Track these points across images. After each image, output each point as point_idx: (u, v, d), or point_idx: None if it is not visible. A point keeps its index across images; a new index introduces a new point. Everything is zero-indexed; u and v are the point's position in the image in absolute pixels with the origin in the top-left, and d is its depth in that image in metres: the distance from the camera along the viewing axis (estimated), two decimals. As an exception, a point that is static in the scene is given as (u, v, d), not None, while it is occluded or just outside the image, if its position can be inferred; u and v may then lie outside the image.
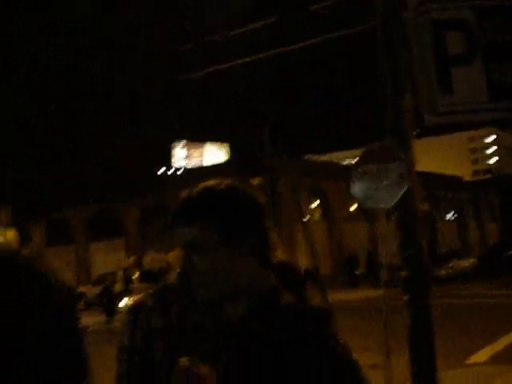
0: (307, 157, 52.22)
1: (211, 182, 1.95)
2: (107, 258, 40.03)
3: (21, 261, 1.80)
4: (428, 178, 41.73)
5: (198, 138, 53.29)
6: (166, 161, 52.00)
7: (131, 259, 40.18)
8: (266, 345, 1.72)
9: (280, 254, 3.33)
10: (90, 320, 21.37)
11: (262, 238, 1.91)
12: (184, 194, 1.94)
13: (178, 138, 53.22)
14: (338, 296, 20.19)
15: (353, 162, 8.83)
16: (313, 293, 3.00)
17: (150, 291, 2.90)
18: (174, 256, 3.35)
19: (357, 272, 36.87)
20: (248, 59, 15.67)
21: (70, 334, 2.21)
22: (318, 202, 41.06)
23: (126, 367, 2.78)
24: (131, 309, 2.94)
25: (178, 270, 2.77)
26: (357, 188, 8.10)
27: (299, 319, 1.76)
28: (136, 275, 32.73)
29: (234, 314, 1.84)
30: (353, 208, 41.52)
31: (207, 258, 1.85)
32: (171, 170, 50.54)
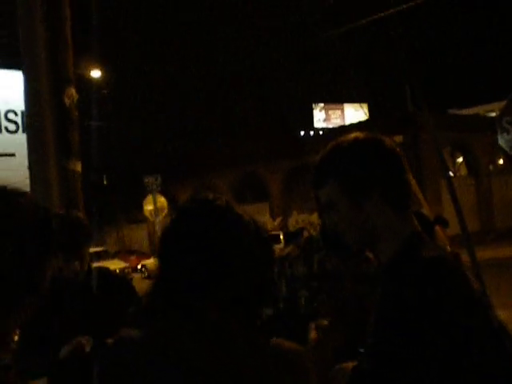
0: (451, 111, 50.58)
1: (342, 139, 1.99)
2: (253, 221, 40.76)
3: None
4: None
5: (336, 98, 52.81)
6: (307, 123, 52.08)
7: (277, 221, 41.00)
8: (414, 293, 1.72)
9: (426, 211, 3.35)
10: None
11: (397, 188, 1.94)
12: (318, 155, 2.03)
13: (317, 101, 53.04)
14: (484, 254, 19.63)
15: (498, 113, 8.56)
16: (442, 237, 2.99)
17: (294, 244, 3.06)
18: (316, 217, 3.45)
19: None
20: (382, 14, 15.39)
21: None
22: (462, 157, 39.80)
23: (270, 314, 2.95)
24: (277, 259, 3.11)
25: (319, 227, 2.88)
26: (504, 139, 7.86)
27: (439, 275, 1.75)
28: (281, 236, 33.37)
29: (376, 261, 1.92)
30: (501, 161, 39.93)
31: (342, 215, 1.93)
32: (312, 132, 50.59)
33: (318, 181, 2.00)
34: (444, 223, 2.89)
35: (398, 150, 1.99)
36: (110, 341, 1.66)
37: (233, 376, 1.53)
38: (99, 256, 28.62)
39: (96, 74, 30.43)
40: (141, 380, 1.55)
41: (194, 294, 1.61)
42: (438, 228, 2.95)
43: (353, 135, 1.99)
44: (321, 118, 53.49)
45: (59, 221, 3.64)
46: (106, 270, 4.10)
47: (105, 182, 47.43)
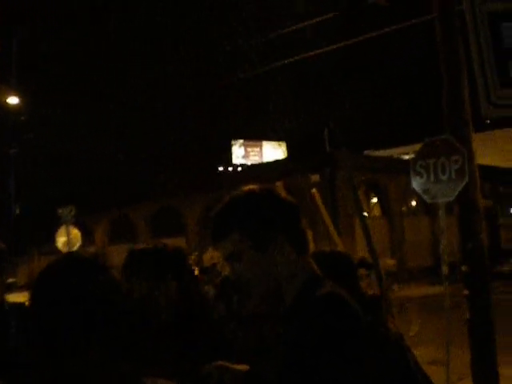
0: (367, 152, 51.80)
1: (237, 193, 2.05)
2: (169, 256, 40.41)
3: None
4: (491, 172, 40.91)
5: (255, 136, 53.35)
6: (226, 159, 52.31)
7: (192, 257, 40.81)
8: (306, 330, 1.79)
9: (340, 248, 3.37)
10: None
11: (297, 235, 2.00)
12: (214, 208, 2.06)
13: (236, 137, 53.44)
14: (398, 293, 20.04)
15: (413, 156, 8.80)
16: (367, 281, 3.04)
17: (212, 284, 3.03)
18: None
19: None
20: (303, 55, 15.70)
21: None
22: (377, 197, 40.75)
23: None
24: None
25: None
26: (417, 182, 8.07)
27: (329, 308, 1.82)
28: (196, 272, 33.22)
29: (283, 305, 1.95)
30: (413, 203, 41.07)
31: (247, 264, 1.97)
32: (231, 168, 50.83)
33: (218, 234, 2.03)
34: (368, 266, 2.95)
35: (292, 200, 2.05)
36: None
37: None
38: (9, 287, 27.67)
39: (13, 100, 29.76)
40: None
41: (71, 342, 1.62)
42: (361, 270, 2.99)
43: (247, 187, 2.05)
44: (239, 154, 53.84)
45: None
46: (21, 305, 3.95)
47: (17, 212, 46.14)
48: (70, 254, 1.76)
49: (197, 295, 2.84)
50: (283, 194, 2.04)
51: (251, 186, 2.05)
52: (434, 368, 7.54)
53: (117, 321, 1.66)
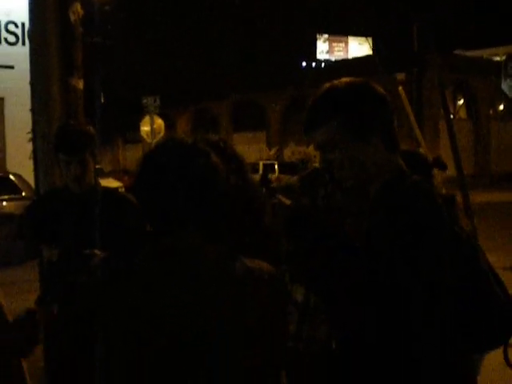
0: (456, 52, 50.01)
1: (337, 82, 2.06)
2: (249, 149, 40.93)
3: None
4: None
5: (340, 31, 52.03)
6: (310, 54, 51.47)
7: (272, 151, 41.04)
8: (396, 215, 1.87)
9: (423, 149, 3.38)
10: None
11: (387, 130, 2.03)
12: (312, 96, 2.07)
13: (321, 31, 52.28)
14: (478, 198, 19.80)
15: (504, 58, 8.50)
16: (439, 179, 3.05)
17: (299, 175, 3.09)
18: (313, 149, 3.50)
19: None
20: None
21: None
22: (463, 99, 39.60)
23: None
24: (282, 189, 3.15)
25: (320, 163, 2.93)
26: (508, 84, 7.84)
27: (417, 196, 1.91)
28: (276, 166, 33.50)
29: (371, 194, 2.02)
30: (501, 107, 39.79)
31: (340, 154, 2.00)
32: (314, 63, 50.05)
33: (314, 121, 2.04)
34: (442, 166, 2.95)
35: (386, 95, 2.06)
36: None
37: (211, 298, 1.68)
38: (96, 173, 28.57)
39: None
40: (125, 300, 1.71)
41: (175, 223, 1.73)
42: (435, 170, 3.00)
43: (345, 79, 2.06)
44: (324, 49, 52.84)
45: (60, 127, 3.66)
46: (114, 189, 4.10)
47: (102, 100, 47.05)
48: (173, 138, 1.85)
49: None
50: (380, 89, 2.05)
51: (350, 78, 2.06)
52: (509, 274, 7.55)
53: (215, 203, 1.76)
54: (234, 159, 2.24)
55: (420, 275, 1.80)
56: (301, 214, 2.01)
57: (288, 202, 2.07)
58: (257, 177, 25.12)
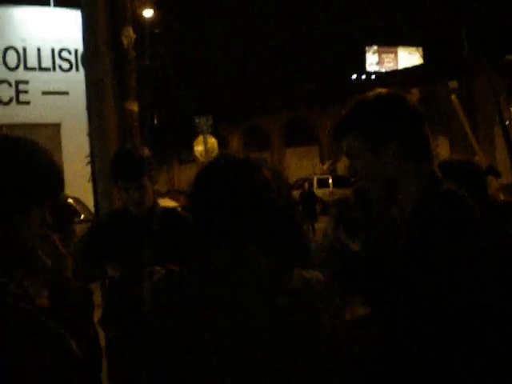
0: (508, 57, 49.15)
1: (368, 94, 2.17)
2: (301, 164, 40.89)
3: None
4: None
5: (389, 42, 51.67)
6: (359, 66, 51.27)
7: (325, 165, 40.95)
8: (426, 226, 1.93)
9: (479, 156, 3.35)
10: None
11: (415, 143, 2.09)
12: (345, 108, 2.21)
13: (369, 43, 52.02)
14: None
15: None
16: (495, 186, 3.02)
17: (353, 189, 3.11)
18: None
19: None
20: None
21: None
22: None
23: (325, 254, 3.02)
24: (336, 203, 3.17)
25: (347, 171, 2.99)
26: None
27: (445, 203, 1.95)
28: (330, 181, 33.43)
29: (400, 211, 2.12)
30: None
31: (362, 163, 2.12)
32: (364, 76, 49.82)
33: (340, 132, 2.20)
34: (496, 174, 2.93)
35: (418, 107, 2.14)
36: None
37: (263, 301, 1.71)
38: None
39: (148, 13, 30.39)
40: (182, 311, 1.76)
41: (230, 237, 1.77)
42: (490, 177, 2.97)
43: (377, 91, 2.17)
44: (373, 61, 52.49)
45: (117, 153, 3.74)
46: (173, 209, 4.17)
47: (155, 122, 47.71)
48: (225, 155, 1.90)
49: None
50: (412, 101, 2.12)
51: (382, 90, 2.17)
52: None
53: (268, 217, 1.79)
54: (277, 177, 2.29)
55: (458, 296, 1.88)
56: (355, 267, 2.12)
57: (356, 247, 2.19)
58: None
